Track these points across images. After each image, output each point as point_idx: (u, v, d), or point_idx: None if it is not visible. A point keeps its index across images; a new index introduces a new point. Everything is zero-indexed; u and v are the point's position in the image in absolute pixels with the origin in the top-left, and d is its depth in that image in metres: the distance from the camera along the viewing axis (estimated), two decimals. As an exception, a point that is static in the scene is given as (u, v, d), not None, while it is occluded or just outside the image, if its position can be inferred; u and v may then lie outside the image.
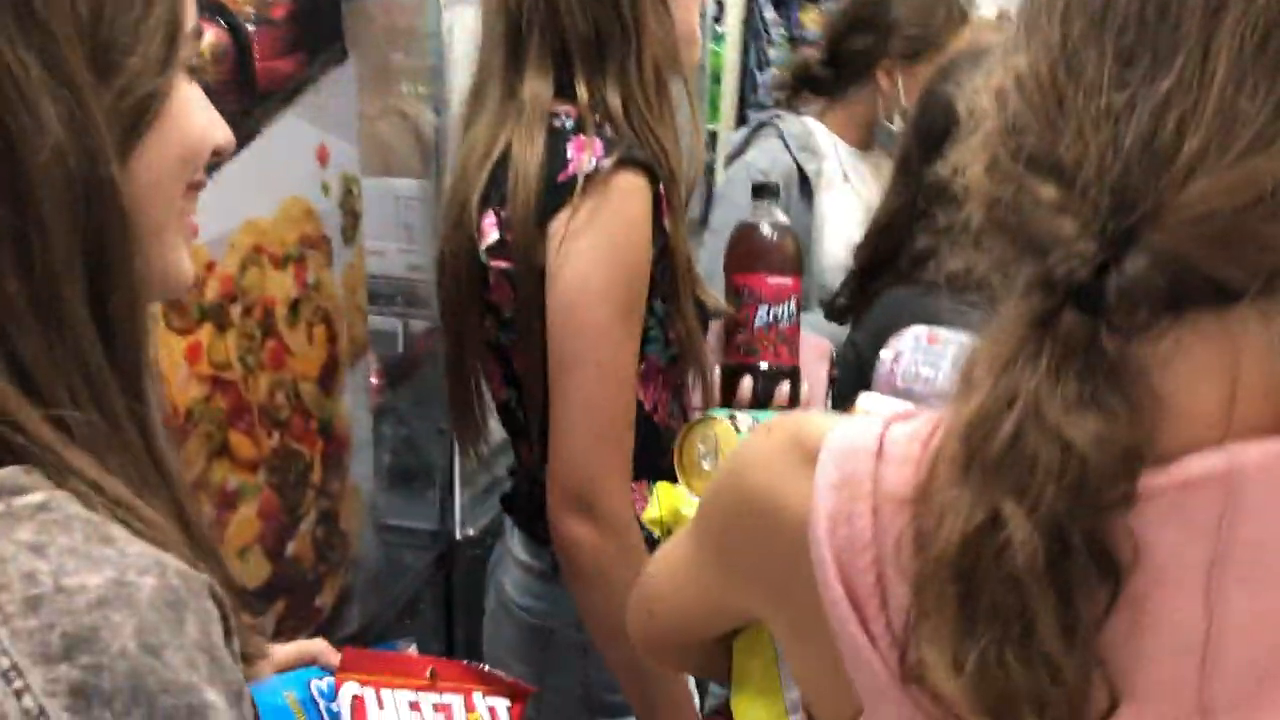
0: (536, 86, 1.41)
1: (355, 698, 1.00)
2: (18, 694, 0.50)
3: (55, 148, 0.56)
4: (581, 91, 1.41)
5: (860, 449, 0.69)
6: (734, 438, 1.18)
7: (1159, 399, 0.60)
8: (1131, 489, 0.58)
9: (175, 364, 1.15)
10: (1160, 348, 0.59)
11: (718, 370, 1.63)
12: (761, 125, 2.46)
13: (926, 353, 1.27)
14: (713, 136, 4.76)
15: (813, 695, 0.78)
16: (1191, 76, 0.57)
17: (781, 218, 1.65)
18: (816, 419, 0.76)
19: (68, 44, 0.57)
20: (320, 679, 1.02)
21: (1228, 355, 0.59)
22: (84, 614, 0.52)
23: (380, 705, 1.02)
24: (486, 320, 1.47)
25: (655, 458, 1.46)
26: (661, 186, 1.40)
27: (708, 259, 2.13)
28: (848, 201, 2.39)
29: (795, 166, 2.32)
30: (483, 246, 1.42)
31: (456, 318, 1.50)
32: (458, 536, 1.90)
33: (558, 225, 1.35)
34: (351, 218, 1.48)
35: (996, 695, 0.60)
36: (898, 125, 2.36)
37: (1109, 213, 0.58)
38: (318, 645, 1.07)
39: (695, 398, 1.68)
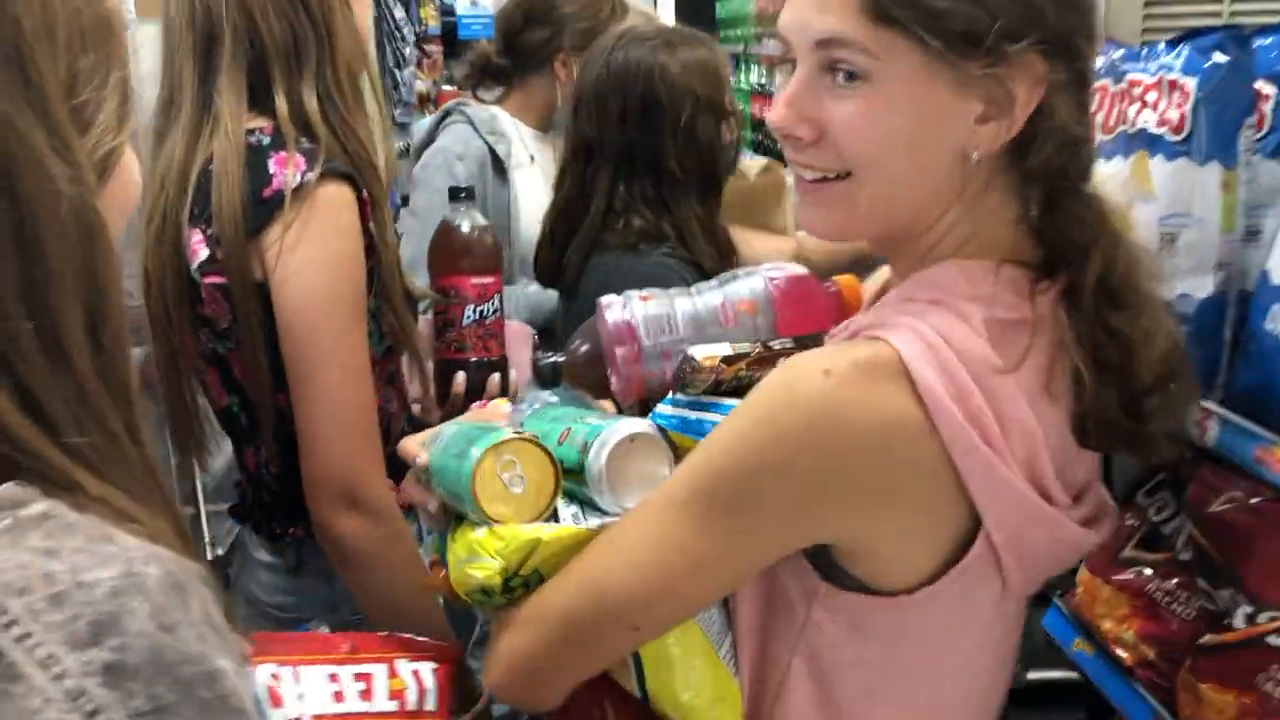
0: (231, 99, 1.45)
1: (272, 677, 1.02)
2: (58, 678, 0.57)
3: (62, 200, 0.62)
4: (280, 102, 1.46)
5: (933, 346, 0.91)
6: (533, 451, 1.05)
7: None
8: None
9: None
10: None
11: (431, 365, 1.73)
12: (448, 113, 2.58)
13: (651, 310, 1.38)
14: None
15: (892, 567, 0.99)
16: None
17: (479, 219, 1.76)
18: (836, 358, 0.94)
19: (57, 105, 0.63)
20: None
21: None
22: (104, 603, 0.59)
23: (297, 680, 1.03)
24: (202, 333, 1.49)
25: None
26: (364, 190, 1.47)
27: (410, 242, 2.21)
28: (535, 180, 2.54)
29: (487, 148, 2.45)
30: (194, 264, 1.45)
31: (168, 332, 1.52)
32: (209, 556, 1.88)
33: (271, 240, 1.41)
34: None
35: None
36: None
37: None
38: None
39: (413, 389, 1.77)
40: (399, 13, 5.29)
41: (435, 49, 6.99)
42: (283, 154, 1.42)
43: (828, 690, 1.07)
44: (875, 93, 0.93)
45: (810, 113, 0.95)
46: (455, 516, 1.12)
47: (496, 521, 1.04)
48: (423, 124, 2.83)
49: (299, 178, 1.41)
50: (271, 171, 1.41)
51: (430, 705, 1.09)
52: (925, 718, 1.13)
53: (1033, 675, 1.79)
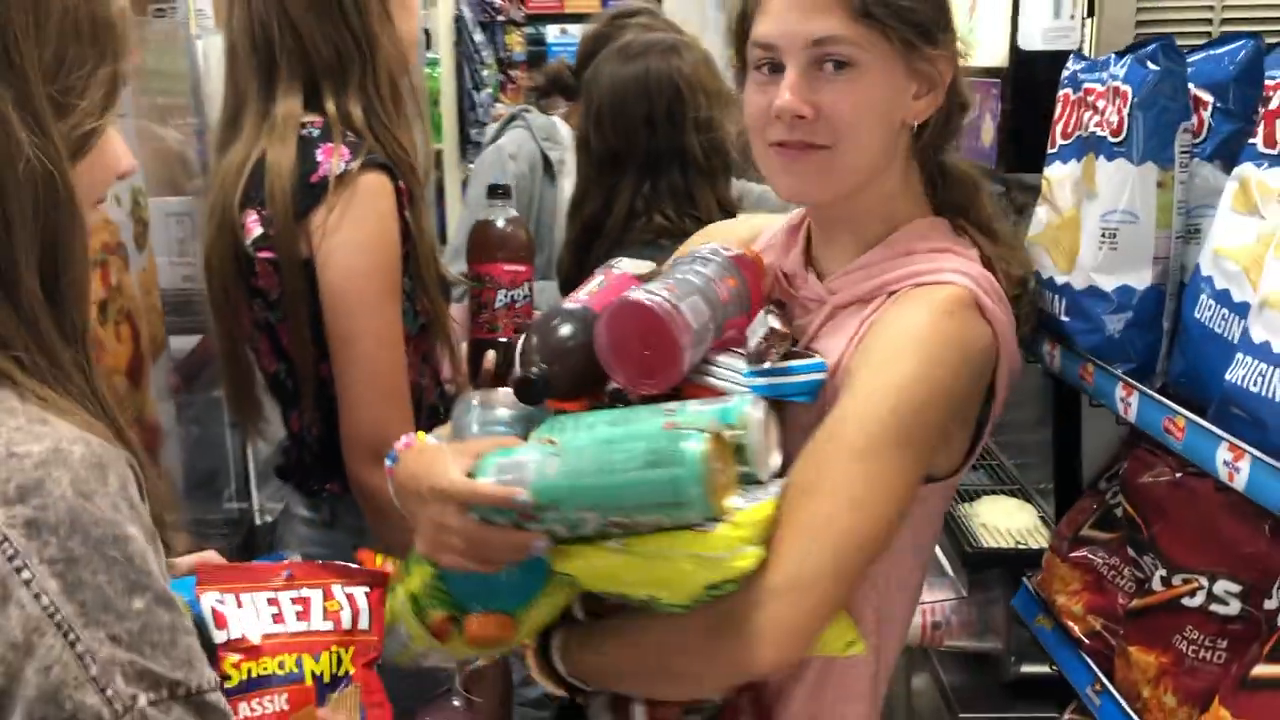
0: (289, 105, 1.61)
1: (217, 602, 1.11)
2: None
3: (21, 160, 0.75)
4: (329, 106, 1.62)
5: (978, 280, 1.16)
6: (720, 442, 1.06)
7: None
8: None
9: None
10: None
11: (464, 345, 1.87)
12: (513, 118, 2.77)
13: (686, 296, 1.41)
14: (438, 155, 5.00)
15: (944, 460, 1.18)
16: None
17: (513, 213, 1.91)
18: (945, 302, 1.15)
19: (35, 85, 0.77)
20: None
21: None
22: (31, 471, 0.71)
23: (239, 605, 1.12)
24: (255, 304, 1.64)
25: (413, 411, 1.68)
26: (401, 182, 1.62)
27: (459, 230, 2.39)
28: None
29: (540, 153, 2.62)
30: (248, 240, 1.60)
31: (227, 306, 1.67)
32: (257, 522, 2.04)
33: (316, 221, 1.56)
34: (141, 226, 1.62)
35: None
36: None
37: None
38: (208, 554, 1.21)
39: (445, 369, 1.90)
40: (479, 36, 5.51)
41: (521, 75, 7.23)
42: (329, 145, 1.58)
43: (874, 578, 1.18)
44: (859, 77, 1.14)
45: (809, 97, 1.14)
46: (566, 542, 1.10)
47: (722, 516, 1.05)
48: (492, 128, 3.01)
49: (343, 166, 1.55)
50: (319, 160, 1.57)
51: (363, 624, 1.17)
52: (911, 602, 1.30)
53: (1026, 669, 1.86)
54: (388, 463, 1.23)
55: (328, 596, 1.17)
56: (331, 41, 1.60)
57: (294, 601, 1.15)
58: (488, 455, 1.11)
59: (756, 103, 1.18)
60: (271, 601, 1.15)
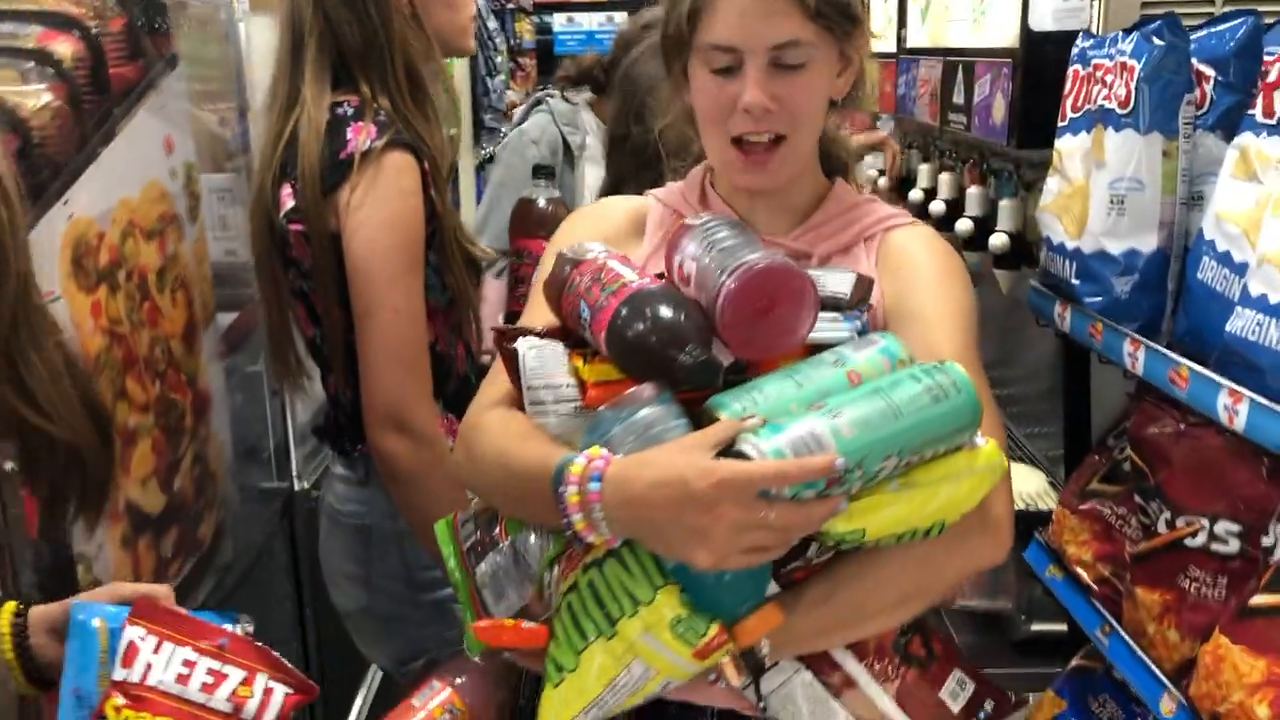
0: (313, 86, 1.69)
1: (132, 641, 1.08)
2: None
3: None
4: (363, 87, 1.70)
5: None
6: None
7: None
8: None
9: (83, 318, 1.37)
10: None
11: (501, 317, 1.95)
12: (538, 102, 2.86)
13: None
14: (453, 139, 5.06)
15: None
16: None
17: (555, 193, 2.00)
18: (934, 235, 1.34)
19: None
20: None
21: None
22: None
23: (155, 651, 1.08)
24: (291, 272, 1.73)
25: (441, 381, 1.78)
26: (426, 163, 1.69)
27: (482, 208, 2.50)
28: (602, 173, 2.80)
29: (561, 137, 2.71)
30: (281, 213, 1.68)
31: (269, 273, 1.76)
32: (295, 489, 2.12)
33: (344, 196, 1.63)
34: (193, 199, 1.70)
35: None
36: None
37: None
38: (160, 590, 1.18)
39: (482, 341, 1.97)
40: (492, 24, 5.57)
41: (529, 62, 7.30)
42: (359, 123, 1.65)
43: None
44: (811, 72, 1.25)
45: (771, 92, 1.23)
46: None
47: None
48: (519, 111, 3.11)
49: (369, 143, 1.63)
50: (348, 137, 1.64)
51: None
52: None
53: (1036, 627, 1.94)
54: (592, 486, 1.06)
55: (246, 682, 1.13)
56: (356, 28, 1.68)
57: (210, 672, 1.12)
58: (750, 436, 1.03)
59: (715, 98, 1.26)
60: (189, 663, 1.11)
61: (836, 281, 1.20)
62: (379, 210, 1.63)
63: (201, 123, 1.82)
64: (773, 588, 1.13)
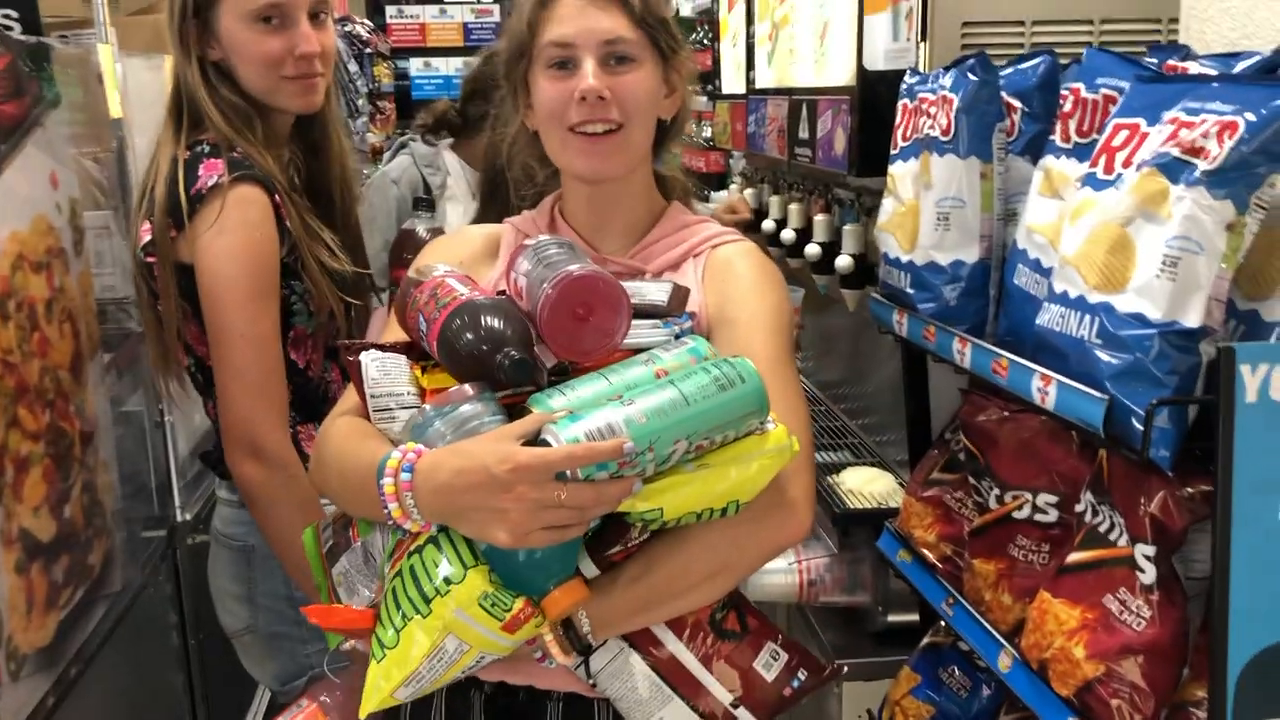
0: (171, 126, 1.79)
1: None
2: None
3: None
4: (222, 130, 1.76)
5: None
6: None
7: None
8: None
9: (-22, 347, 1.40)
10: None
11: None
12: (401, 146, 3.02)
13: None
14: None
15: None
16: None
17: (436, 223, 2.09)
18: (754, 248, 1.52)
19: None
20: None
21: None
22: None
23: None
24: (157, 304, 1.78)
25: (315, 404, 1.85)
26: (277, 197, 1.76)
27: None
28: (466, 211, 2.90)
29: (420, 177, 2.82)
30: (139, 247, 1.75)
31: (147, 304, 1.80)
32: (179, 519, 2.15)
33: (193, 231, 1.70)
34: (78, 233, 1.74)
35: None
36: None
37: None
38: None
39: None
40: (352, 67, 5.63)
41: (389, 106, 7.35)
42: (212, 160, 1.72)
43: None
44: (637, 70, 1.41)
45: (605, 82, 1.39)
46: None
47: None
48: (388, 155, 3.23)
49: (214, 179, 1.69)
50: (200, 174, 1.71)
51: None
52: None
53: (892, 618, 2.09)
54: (404, 476, 1.15)
55: None
56: (184, 78, 1.77)
57: None
58: (551, 426, 1.13)
59: (553, 93, 1.41)
60: None
61: (655, 291, 1.35)
62: (224, 240, 1.69)
63: (79, 161, 1.86)
64: (594, 571, 1.24)
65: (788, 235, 2.45)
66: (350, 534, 1.38)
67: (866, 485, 2.18)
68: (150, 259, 1.73)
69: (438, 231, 2.07)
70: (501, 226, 1.56)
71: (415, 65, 8.41)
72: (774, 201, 2.61)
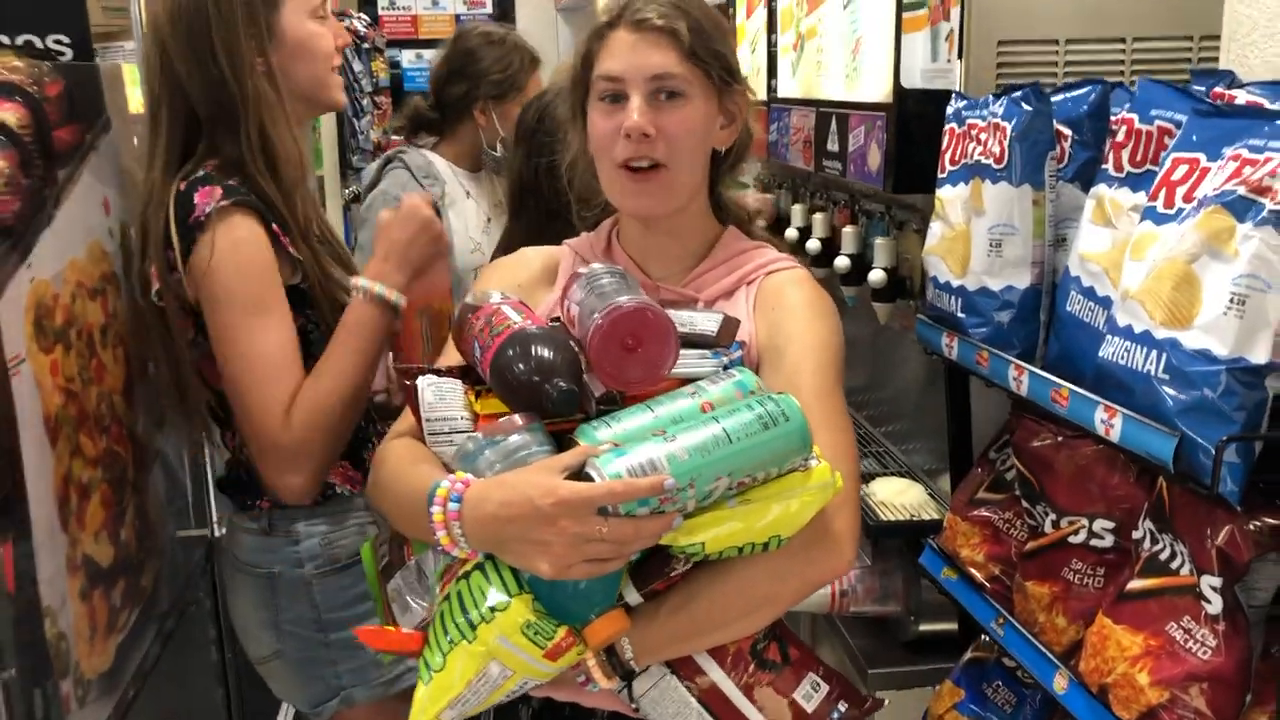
0: (165, 158, 1.71)
1: None
2: None
3: None
4: (210, 152, 1.72)
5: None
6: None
7: None
8: None
9: (45, 377, 1.41)
10: None
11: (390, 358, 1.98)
12: (389, 160, 2.91)
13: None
14: (320, 181, 5.09)
15: None
16: None
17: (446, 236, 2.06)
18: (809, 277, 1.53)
19: None
20: None
21: None
22: None
23: None
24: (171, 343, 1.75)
25: None
26: (274, 225, 1.71)
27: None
28: (469, 214, 2.89)
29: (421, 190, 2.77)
30: (152, 292, 1.70)
31: (159, 339, 1.76)
32: (216, 535, 2.16)
33: (196, 259, 1.65)
34: (127, 256, 1.75)
35: None
36: (499, 150, 2.90)
37: None
38: None
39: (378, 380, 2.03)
40: (357, 66, 5.61)
41: (385, 100, 7.34)
42: (208, 188, 1.66)
43: None
44: (687, 106, 1.41)
45: (651, 119, 1.40)
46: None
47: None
48: (368, 170, 3.13)
49: (210, 206, 1.64)
50: (195, 202, 1.65)
51: None
52: None
53: (924, 627, 2.12)
54: (452, 505, 1.19)
55: None
56: (207, 90, 1.68)
57: None
58: (596, 460, 1.15)
59: (603, 127, 1.42)
60: None
61: (705, 321, 1.37)
62: (218, 262, 1.64)
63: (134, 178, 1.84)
64: (637, 599, 1.27)
65: (813, 245, 2.46)
66: (405, 551, 1.40)
67: (897, 497, 2.20)
68: (163, 304, 1.69)
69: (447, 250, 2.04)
70: (560, 250, 1.58)
71: (407, 57, 8.39)
72: (796, 210, 2.63)
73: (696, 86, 1.41)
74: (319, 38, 1.79)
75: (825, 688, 1.37)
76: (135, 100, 1.94)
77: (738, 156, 1.54)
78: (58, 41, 1.63)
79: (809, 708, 1.35)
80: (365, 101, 5.72)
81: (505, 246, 2.31)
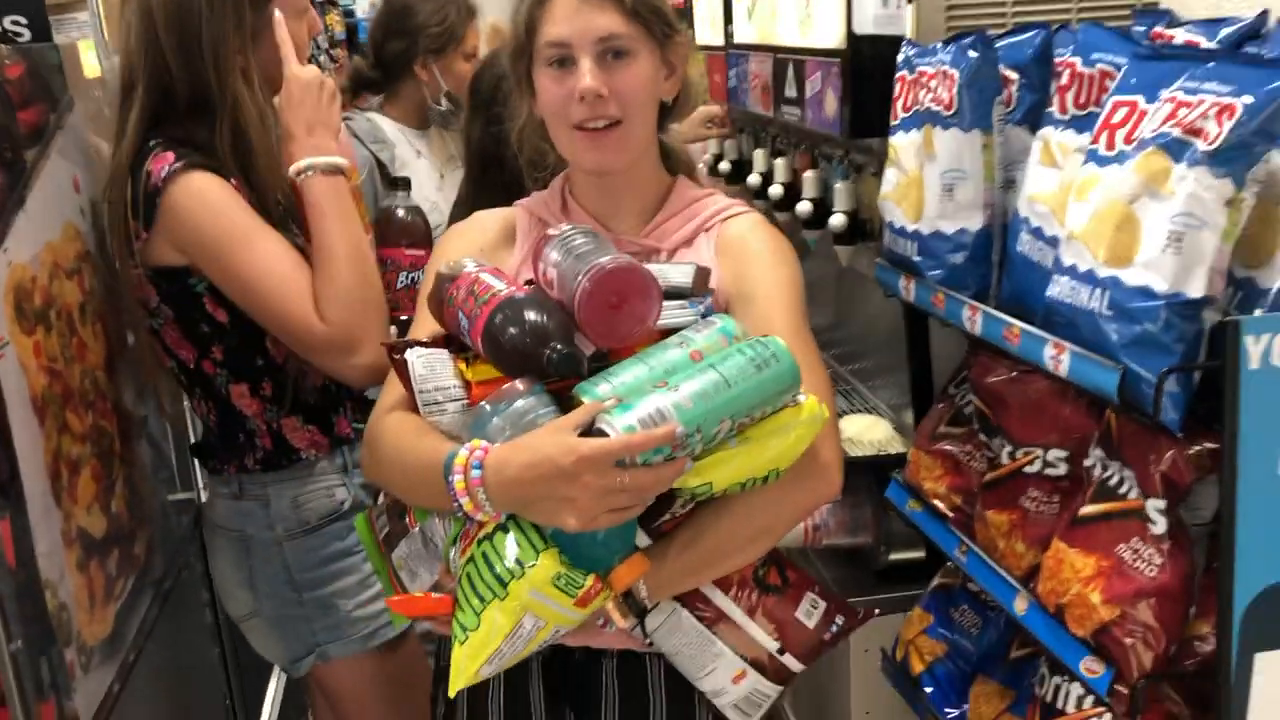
0: (141, 125, 1.70)
1: None
2: None
3: None
4: (198, 135, 1.71)
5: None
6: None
7: None
8: None
9: (29, 359, 1.44)
10: None
11: None
12: None
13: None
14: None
15: None
16: None
17: (412, 202, 2.07)
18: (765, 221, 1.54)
19: None
20: None
21: None
22: None
23: None
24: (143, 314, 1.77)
25: (296, 394, 1.82)
26: (233, 181, 1.69)
27: None
28: (425, 172, 2.90)
29: (372, 157, 2.78)
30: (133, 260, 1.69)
31: (130, 308, 1.78)
32: (202, 499, 2.20)
33: (161, 224, 1.65)
34: (100, 234, 1.77)
35: None
36: (444, 105, 2.90)
37: None
38: None
39: None
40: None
41: (342, 54, 7.26)
42: (159, 154, 1.65)
43: None
44: (635, 63, 1.44)
45: (604, 81, 1.42)
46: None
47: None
48: None
49: (165, 170, 1.63)
50: (149, 169, 1.65)
51: None
52: None
53: (893, 557, 2.20)
54: (474, 473, 1.23)
55: None
56: (188, 84, 1.69)
57: None
58: (605, 416, 1.21)
59: (555, 92, 1.45)
60: None
61: (679, 274, 1.42)
62: (190, 216, 1.65)
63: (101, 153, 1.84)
64: (646, 541, 1.33)
65: (775, 190, 2.50)
66: (406, 521, 1.44)
67: (865, 433, 2.27)
68: (137, 270, 1.70)
69: (415, 210, 2.06)
70: (513, 211, 1.60)
71: (361, 5, 8.28)
72: (758, 155, 2.67)
73: (641, 43, 1.45)
74: (297, 36, 1.80)
75: (823, 604, 1.44)
76: (90, 67, 1.94)
77: (680, 106, 1.58)
78: (15, 23, 1.63)
79: (809, 624, 1.43)
80: (323, 58, 5.67)
81: (467, 211, 2.33)
